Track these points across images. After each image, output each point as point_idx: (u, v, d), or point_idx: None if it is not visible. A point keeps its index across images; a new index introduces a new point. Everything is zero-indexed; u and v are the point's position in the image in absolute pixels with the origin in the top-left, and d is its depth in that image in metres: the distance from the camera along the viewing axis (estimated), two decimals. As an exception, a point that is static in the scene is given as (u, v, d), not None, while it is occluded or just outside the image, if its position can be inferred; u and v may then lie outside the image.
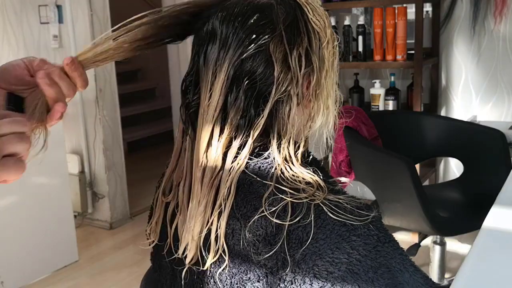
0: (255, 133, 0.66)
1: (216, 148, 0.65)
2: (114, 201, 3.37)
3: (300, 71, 0.66)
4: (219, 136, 0.66)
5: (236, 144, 0.66)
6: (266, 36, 0.65)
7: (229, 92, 0.65)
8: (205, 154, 0.66)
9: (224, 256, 0.64)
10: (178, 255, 0.69)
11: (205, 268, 0.66)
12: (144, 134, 5.04)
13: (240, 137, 0.66)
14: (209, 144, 0.66)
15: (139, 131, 5.01)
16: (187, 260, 0.67)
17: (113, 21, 3.36)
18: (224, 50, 0.66)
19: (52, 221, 2.74)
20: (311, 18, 0.68)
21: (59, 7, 3.23)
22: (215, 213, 0.64)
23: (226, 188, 0.64)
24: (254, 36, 0.65)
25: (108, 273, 2.73)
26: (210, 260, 0.64)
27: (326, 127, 0.71)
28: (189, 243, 0.66)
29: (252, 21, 0.65)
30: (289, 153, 0.66)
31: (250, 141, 0.66)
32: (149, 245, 0.77)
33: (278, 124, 0.67)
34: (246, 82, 0.65)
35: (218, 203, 0.64)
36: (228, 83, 0.65)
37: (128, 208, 3.48)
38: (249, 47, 0.65)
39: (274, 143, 0.66)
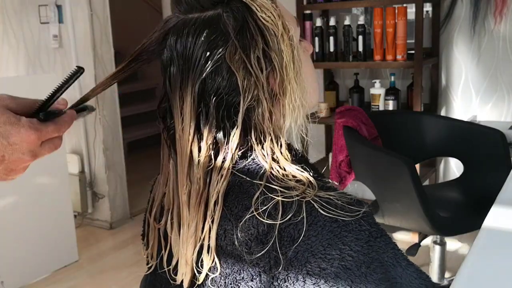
0: (233, 146, 0.65)
1: (197, 169, 0.65)
2: (114, 201, 3.37)
3: (262, 73, 0.65)
4: (198, 156, 0.65)
5: (218, 160, 0.66)
6: (220, 50, 0.64)
7: (200, 112, 0.66)
8: (187, 176, 0.66)
9: (217, 263, 0.64)
10: (176, 282, 0.69)
11: (199, 283, 0.66)
12: (144, 134, 5.04)
13: (221, 153, 0.66)
14: (190, 166, 0.66)
15: (139, 131, 5.01)
16: (185, 285, 0.67)
17: (113, 21, 3.36)
18: (184, 72, 0.66)
19: (52, 221, 2.74)
20: (260, 16, 0.66)
21: (59, 7, 3.24)
22: (206, 227, 0.64)
23: (213, 201, 0.64)
24: (208, 53, 0.64)
25: (108, 273, 2.73)
26: (204, 273, 0.65)
27: (294, 121, 0.70)
28: (183, 268, 0.67)
29: (202, 38, 0.65)
30: (274, 152, 0.66)
31: (230, 154, 0.65)
32: (148, 270, 0.78)
33: (255, 131, 0.66)
34: (214, 98, 0.65)
35: (208, 218, 0.64)
36: (196, 104, 0.65)
37: (128, 208, 3.48)
38: (207, 65, 0.64)
39: (256, 149, 0.66)
